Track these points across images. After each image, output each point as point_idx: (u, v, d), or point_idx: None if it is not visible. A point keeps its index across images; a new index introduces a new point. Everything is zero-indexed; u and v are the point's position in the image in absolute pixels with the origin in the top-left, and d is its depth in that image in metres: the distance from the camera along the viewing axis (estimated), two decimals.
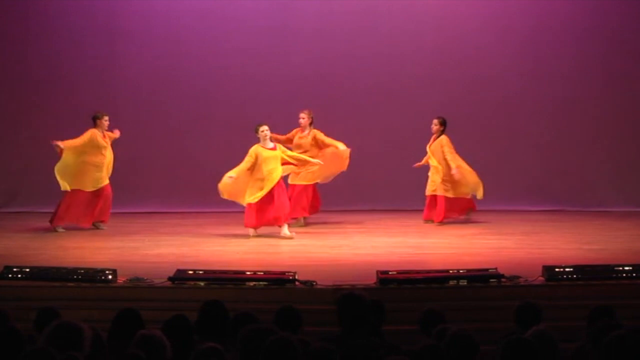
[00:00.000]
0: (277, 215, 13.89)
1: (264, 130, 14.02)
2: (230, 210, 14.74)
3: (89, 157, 14.70)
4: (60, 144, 14.59)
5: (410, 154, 16.37)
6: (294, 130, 15.11)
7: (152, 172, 16.63)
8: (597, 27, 16.70)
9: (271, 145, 14.10)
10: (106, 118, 14.94)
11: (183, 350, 6.17)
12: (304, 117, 15.01)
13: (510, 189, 16.65)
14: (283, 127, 15.30)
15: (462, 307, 10.15)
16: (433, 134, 15.32)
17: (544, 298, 9.76)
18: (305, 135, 14.98)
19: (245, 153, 14.36)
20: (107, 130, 14.97)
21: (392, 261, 11.91)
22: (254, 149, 13.98)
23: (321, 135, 14.95)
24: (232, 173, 13.90)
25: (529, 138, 16.81)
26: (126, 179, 16.56)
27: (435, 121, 15.31)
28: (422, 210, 15.50)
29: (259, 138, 14.05)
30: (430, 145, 15.24)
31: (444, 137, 15.19)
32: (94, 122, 14.90)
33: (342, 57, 16.71)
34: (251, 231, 14.04)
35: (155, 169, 16.67)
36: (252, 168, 13.91)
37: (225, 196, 14.05)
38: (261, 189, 13.88)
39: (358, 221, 15.40)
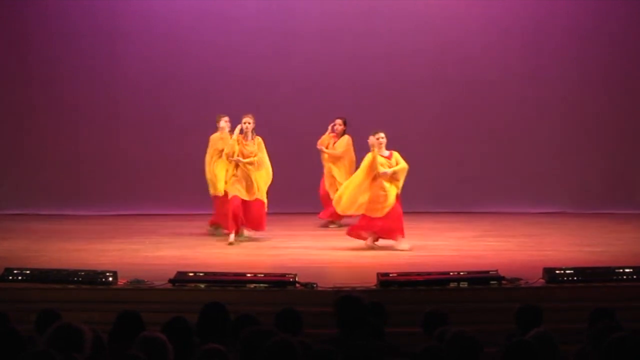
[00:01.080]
0: (392, 227, 13.03)
1: (381, 137, 13.08)
2: None
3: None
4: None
5: (410, 155, 16.34)
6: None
7: (152, 174, 16.59)
8: (598, 29, 16.67)
9: (386, 153, 13.20)
10: (225, 119, 14.07)
11: (183, 352, 6.16)
12: (249, 122, 13.66)
13: (511, 190, 16.63)
14: (283, 128, 15.26)
15: (463, 309, 10.14)
16: (335, 134, 15.18)
17: (545, 300, 9.80)
18: (251, 142, 13.73)
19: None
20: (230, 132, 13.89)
21: (392, 263, 11.92)
22: (374, 157, 13.06)
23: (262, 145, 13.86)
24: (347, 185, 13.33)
25: (530, 139, 16.77)
26: (126, 180, 16.56)
27: (339, 121, 15.21)
28: (423, 213, 15.50)
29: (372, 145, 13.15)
30: (334, 145, 15.12)
31: (347, 137, 15.13)
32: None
33: (342, 57, 16.67)
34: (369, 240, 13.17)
35: (155, 170, 16.64)
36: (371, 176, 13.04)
37: (340, 210, 13.36)
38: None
39: None
